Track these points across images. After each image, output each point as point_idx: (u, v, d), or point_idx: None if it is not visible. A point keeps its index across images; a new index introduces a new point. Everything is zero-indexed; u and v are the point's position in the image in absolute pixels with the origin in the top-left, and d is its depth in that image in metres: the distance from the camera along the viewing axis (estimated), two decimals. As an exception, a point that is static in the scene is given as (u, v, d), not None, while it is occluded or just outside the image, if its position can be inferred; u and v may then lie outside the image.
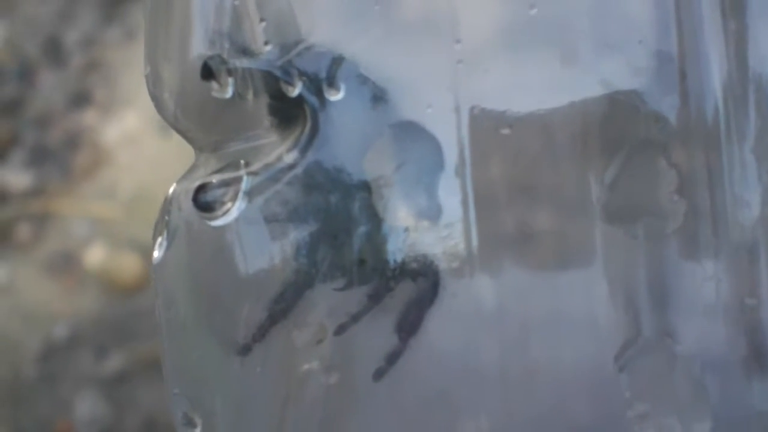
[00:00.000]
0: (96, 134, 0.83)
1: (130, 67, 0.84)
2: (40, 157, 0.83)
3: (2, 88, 0.85)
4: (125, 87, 0.84)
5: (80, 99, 0.84)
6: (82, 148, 0.83)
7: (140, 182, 0.80)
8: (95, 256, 0.80)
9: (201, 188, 0.23)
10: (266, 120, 0.23)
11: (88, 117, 0.84)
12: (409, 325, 0.22)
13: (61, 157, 0.83)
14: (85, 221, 0.81)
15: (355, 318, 0.22)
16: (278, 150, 0.23)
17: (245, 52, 0.22)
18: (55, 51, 0.85)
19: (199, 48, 0.23)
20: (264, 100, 0.23)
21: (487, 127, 0.22)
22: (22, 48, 0.86)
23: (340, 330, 0.23)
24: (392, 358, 0.22)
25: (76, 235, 0.81)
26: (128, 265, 0.79)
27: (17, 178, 0.83)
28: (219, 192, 0.23)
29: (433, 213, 0.22)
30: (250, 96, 0.23)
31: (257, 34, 0.22)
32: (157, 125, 0.79)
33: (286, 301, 0.23)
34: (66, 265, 0.80)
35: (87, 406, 0.76)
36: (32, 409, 0.77)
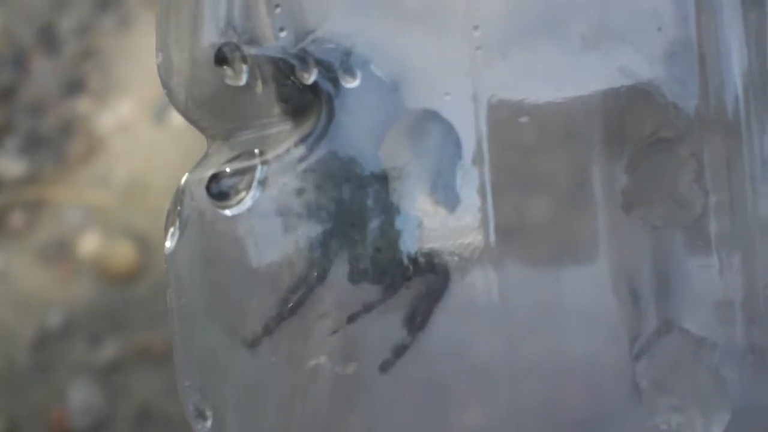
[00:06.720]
0: (90, 122, 0.83)
1: (124, 55, 0.84)
2: (34, 145, 0.83)
3: (-4, 75, 0.85)
4: (120, 74, 0.83)
5: (74, 86, 0.84)
6: (76, 135, 0.82)
7: (134, 170, 0.80)
8: (89, 243, 0.80)
9: (214, 177, 0.22)
10: (278, 107, 0.22)
11: (83, 104, 0.83)
12: (418, 319, 0.22)
13: (55, 145, 0.83)
14: (79, 209, 0.81)
15: (369, 308, 0.22)
16: (292, 138, 0.22)
17: (257, 39, 0.22)
18: (49, 38, 0.85)
19: (210, 36, 0.22)
20: (275, 88, 0.22)
21: (505, 115, 0.22)
22: (16, 35, 0.86)
23: (352, 319, 0.22)
24: (399, 351, 0.22)
25: (70, 223, 0.81)
26: (122, 253, 0.79)
27: (11, 165, 0.83)
28: (233, 181, 0.22)
29: (450, 202, 0.22)
30: (259, 83, 0.22)
31: (271, 21, 0.22)
32: (152, 113, 0.79)
33: (298, 294, 0.22)
34: (60, 252, 0.80)
35: (81, 394, 0.76)
36: (26, 398, 0.77)
